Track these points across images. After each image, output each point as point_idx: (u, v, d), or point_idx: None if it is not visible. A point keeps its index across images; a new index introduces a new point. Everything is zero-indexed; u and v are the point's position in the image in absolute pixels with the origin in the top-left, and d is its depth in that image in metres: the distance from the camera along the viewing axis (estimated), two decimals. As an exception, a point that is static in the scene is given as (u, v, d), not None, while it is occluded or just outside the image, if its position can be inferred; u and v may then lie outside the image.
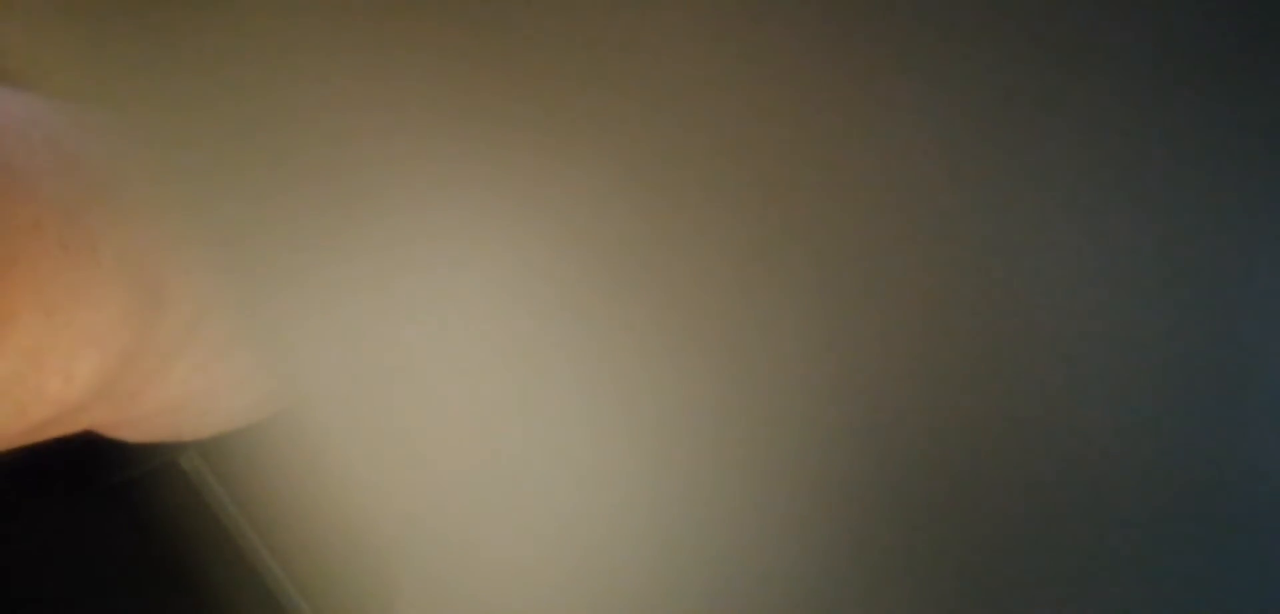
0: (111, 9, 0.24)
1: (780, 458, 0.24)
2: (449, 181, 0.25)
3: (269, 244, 0.26)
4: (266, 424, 0.31)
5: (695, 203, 0.24)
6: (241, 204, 0.25)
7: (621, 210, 0.24)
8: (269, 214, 0.25)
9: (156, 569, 0.36)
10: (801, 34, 0.22)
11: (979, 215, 0.22)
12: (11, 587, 0.35)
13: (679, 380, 0.24)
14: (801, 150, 0.23)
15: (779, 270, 0.23)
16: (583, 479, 0.26)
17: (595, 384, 0.25)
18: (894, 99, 0.22)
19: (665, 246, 0.24)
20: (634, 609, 0.26)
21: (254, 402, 0.31)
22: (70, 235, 0.24)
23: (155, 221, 0.25)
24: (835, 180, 0.23)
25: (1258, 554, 0.22)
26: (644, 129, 0.24)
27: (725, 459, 0.24)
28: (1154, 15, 0.20)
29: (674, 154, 0.24)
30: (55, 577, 0.36)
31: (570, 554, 0.26)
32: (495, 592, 0.28)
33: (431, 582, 0.30)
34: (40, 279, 0.23)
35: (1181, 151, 0.21)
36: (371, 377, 0.28)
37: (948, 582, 0.23)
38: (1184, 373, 0.21)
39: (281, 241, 0.26)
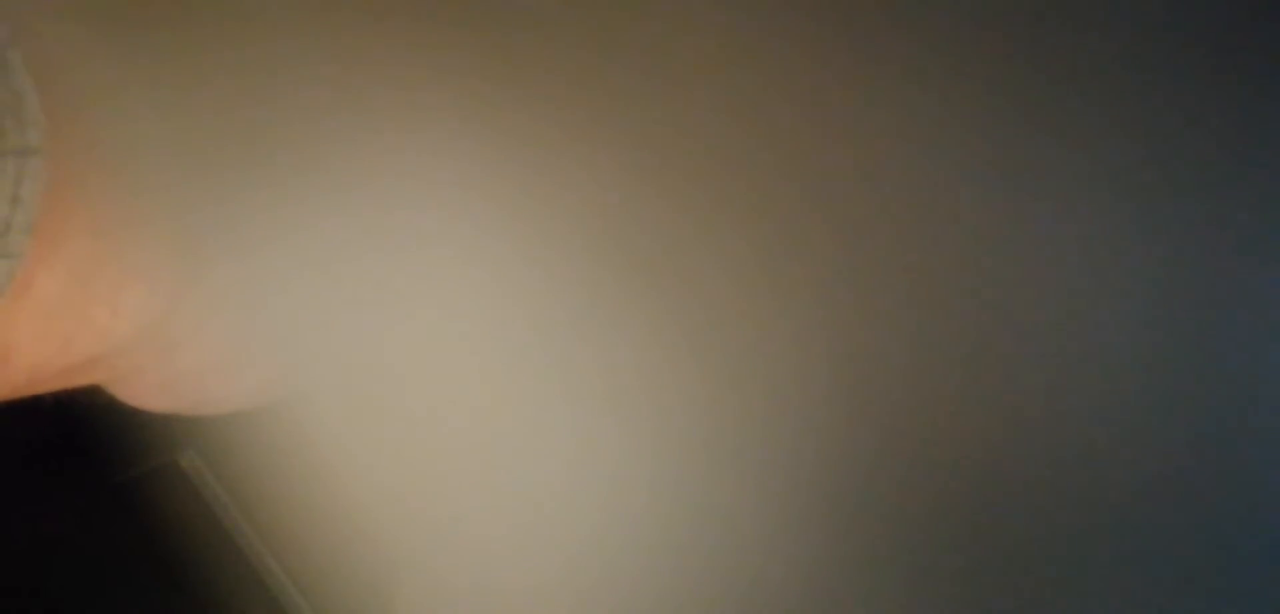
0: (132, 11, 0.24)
1: (775, 453, 0.24)
2: (453, 180, 0.25)
3: (276, 232, 0.26)
4: (266, 422, 0.31)
5: (692, 203, 0.24)
6: (252, 193, 0.25)
7: (620, 211, 0.24)
8: (275, 203, 0.25)
9: (156, 569, 0.36)
10: (799, 41, 0.23)
11: (974, 216, 0.22)
12: (13, 586, 0.35)
13: (676, 378, 0.24)
14: (797, 154, 0.23)
15: (775, 272, 0.24)
16: (581, 475, 0.26)
17: (595, 381, 0.25)
18: (891, 104, 0.22)
19: (662, 247, 0.24)
20: (632, 605, 0.26)
21: (266, 380, 0.30)
22: (123, 166, 0.23)
23: (198, 181, 0.25)
24: (832, 184, 0.23)
25: (1253, 550, 0.22)
26: (642, 130, 0.24)
27: (721, 456, 0.24)
28: (1150, 17, 0.21)
29: (671, 156, 0.24)
30: (57, 576, 0.36)
31: (569, 550, 0.26)
32: (494, 590, 0.28)
33: (431, 580, 0.31)
34: (93, 200, 0.23)
35: (1176, 151, 0.21)
36: (371, 373, 0.28)
37: (943, 576, 0.23)
38: (1180, 369, 0.21)
39: (288, 231, 0.26)
